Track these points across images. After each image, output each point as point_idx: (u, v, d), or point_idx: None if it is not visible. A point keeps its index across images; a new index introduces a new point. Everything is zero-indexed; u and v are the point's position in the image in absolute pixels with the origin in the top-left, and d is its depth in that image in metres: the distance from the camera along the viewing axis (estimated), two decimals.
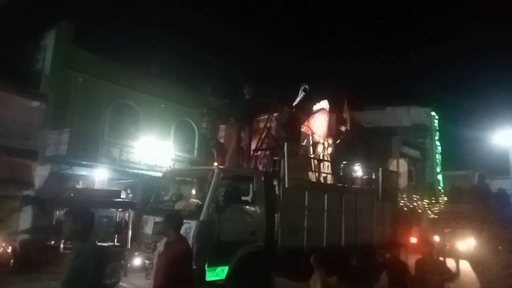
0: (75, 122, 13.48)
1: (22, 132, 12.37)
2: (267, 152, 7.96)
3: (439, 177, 29.03)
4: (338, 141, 10.87)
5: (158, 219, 6.99)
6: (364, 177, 9.95)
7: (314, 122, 10.30)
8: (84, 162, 12.95)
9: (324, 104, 10.48)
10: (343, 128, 10.92)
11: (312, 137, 10.11)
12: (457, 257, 11.38)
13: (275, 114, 8.34)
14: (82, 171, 13.43)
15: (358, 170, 9.85)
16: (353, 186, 9.30)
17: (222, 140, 8.80)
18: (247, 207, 6.98)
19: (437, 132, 31.02)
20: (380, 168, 9.73)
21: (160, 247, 3.98)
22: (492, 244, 6.87)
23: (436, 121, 31.10)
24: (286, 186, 7.35)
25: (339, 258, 8.47)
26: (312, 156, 9.59)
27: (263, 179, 7.35)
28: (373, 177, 9.88)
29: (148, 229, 7.16)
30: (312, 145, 10.05)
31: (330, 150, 10.33)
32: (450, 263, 6.48)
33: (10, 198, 11.55)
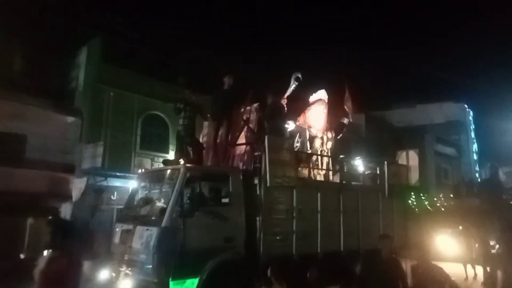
0: (109, 135, 13.94)
1: (59, 147, 13.21)
2: (248, 148, 7.13)
3: (477, 174, 27.31)
4: (340, 135, 9.89)
5: (125, 226, 6.33)
6: (367, 173, 8.91)
7: (311, 115, 9.37)
8: (118, 174, 13.27)
9: (321, 94, 9.54)
10: (345, 121, 9.93)
11: (309, 131, 9.18)
12: (465, 261, 10.14)
13: (255, 105, 7.50)
14: (117, 183, 13.53)
15: (359, 165, 8.83)
16: (353, 182, 8.29)
17: (205, 138, 8.05)
18: (222, 210, 6.16)
19: (473, 128, 29.61)
20: (386, 162, 8.66)
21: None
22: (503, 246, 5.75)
23: (470, 116, 29.72)
24: (268, 185, 6.49)
25: (339, 265, 7.50)
26: (308, 151, 8.70)
27: (241, 177, 6.53)
28: (378, 172, 8.82)
29: (117, 238, 6.49)
30: (309, 140, 9.13)
31: (329, 144, 9.36)
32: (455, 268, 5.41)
33: (50, 211, 11.61)
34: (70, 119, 13.99)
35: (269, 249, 6.42)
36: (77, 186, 12.98)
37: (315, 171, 8.73)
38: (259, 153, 6.68)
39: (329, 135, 9.45)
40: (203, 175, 6.21)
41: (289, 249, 6.75)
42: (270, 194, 6.56)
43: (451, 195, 12.79)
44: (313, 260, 7.04)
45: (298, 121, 9.31)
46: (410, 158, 9.38)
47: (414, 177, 9.30)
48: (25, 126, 12.26)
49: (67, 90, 14.74)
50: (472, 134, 29.83)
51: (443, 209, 12.27)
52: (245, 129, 7.26)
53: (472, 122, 30.14)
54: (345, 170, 8.39)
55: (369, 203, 8.30)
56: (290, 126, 9.07)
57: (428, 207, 11.15)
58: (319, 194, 7.34)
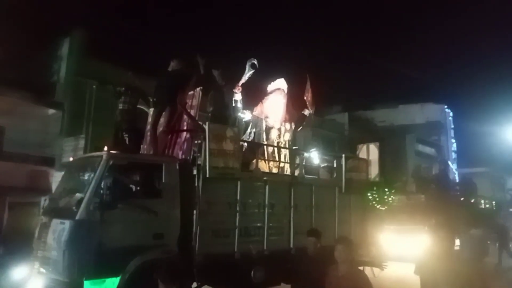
0: (90, 128, 13.68)
1: (39, 140, 13.08)
2: (188, 136, 6.53)
3: (455, 175, 27.67)
4: (301, 127, 9.39)
5: (44, 219, 5.66)
6: (322, 166, 8.43)
7: (269, 105, 8.84)
8: None
9: (280, 83, 9.01)
10: (306, 112, 9.42)
11: (266, 121, 8.65)
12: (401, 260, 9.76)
13: (198, 89, 6.90)
14: None
15: (314, 158, 8.34)
16: (307, 176, 7.79)
17: (149, 126, 7.41)
18: (152, 203, 5.56)
19: (452, 129, 30.37)
20: (343, 155, 8.19)
21: None
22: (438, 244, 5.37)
23: (450, 118, 30.49)
24: (207, 176, 5.92)
25: (288, 264, 6.98)
26: (265, 143, 8.17)
27: (177, 168, 5.93)
28: (335, 165, 8.36)
29: (36, 233, 5.81)
30: (266, 131, 8.60)
31: (287, 136, 8.85)
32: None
33: (29, 206, 11.48)
34: (51, 111, 13.79)
35: (206, 246, 5.85)
36: (58, 179, 12.36)
37: (271, 163, 8.24)
38: (199, 141, 6.11)
39: (287, 126, 8.94)
40: (130, 164, 5.59)
41: (230, 247, 6.20)
42: (209, 186, 5.98)
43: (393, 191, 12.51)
44: (258, 259, 6.50)
45: (255, 111, 8.78)
46: (370, 152, 8.95)
47: (374, 171, 8.86)
48: (3, 119, 11.99)
49: (48, 83, 14.31)
50: (452, 134, 30.51)
51: (394, 205, 11.94)
52: (184, 116, 6.65)
53: (451, 122, 30.85)
54: (297, 162, 7.87)
55: (324, 198, 7.82)
56: (246, 115, 8.54)
57: (379, 204, 10.71)
58: (267, 188, 6.80)
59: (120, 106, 6.76)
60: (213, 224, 6.02)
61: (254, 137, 8.49)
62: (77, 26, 14.70)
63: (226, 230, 6.22)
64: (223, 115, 6.81)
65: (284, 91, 8.99)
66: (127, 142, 6.39)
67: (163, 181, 5.71)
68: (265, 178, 6.87)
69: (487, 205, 15.67)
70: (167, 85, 6.56)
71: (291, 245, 7.05)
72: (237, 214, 6.32)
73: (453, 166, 29.03)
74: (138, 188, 5.75)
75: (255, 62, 8.39)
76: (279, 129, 8.79)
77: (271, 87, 8.96)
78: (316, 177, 8.11)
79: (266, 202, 6.75)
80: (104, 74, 13.67)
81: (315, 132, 20.60)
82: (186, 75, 6.63)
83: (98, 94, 13.99)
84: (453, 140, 30.69)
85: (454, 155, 29.97)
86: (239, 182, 6.38)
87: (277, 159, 8.40)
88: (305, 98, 9.38)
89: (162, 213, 5.59)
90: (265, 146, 8.34)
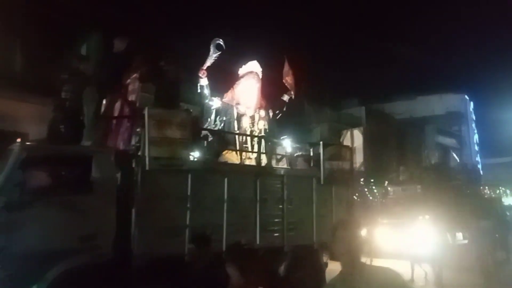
0: None
1: None
2: (129, 124, 5.78)
3: (479, 165, 26.51)
4: (280, 114, 8.54)
5: None
6: (295, 155, 7.56)
7: (240, 90, 8.03)
8: None
9: (252, 66, 8.18)
10: (285, 98, 8.56)
11: (236, 108, 7.85)
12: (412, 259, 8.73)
13: (140, 70, 6.12)
14: None
15: (287, 146, 7.48)
16: (277, 166, 6.96)
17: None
18: (80, 199, 4.84)
19: (473, 119, 29.39)
20: (321, 142, 7.30)
21: None
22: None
23: (471, 107, 29.50)
24: (147, 168, 5.17)
25: (255, 264, 6.17)
26: (236, 131, 7.38)
27: (111, 159, 5.19)
28: (311, 154, 7.48)
29: None
30: (237, 119, 7.80)
31: (262, 124, 8.02)
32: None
33: None
34: None
35: (147, 248, 5.11)
36: None
37: (243, 154, 7.45)
38: (140, 129, 5.37)
39: (262, 113, 8.11)
40: (50, 157, 4.86)
41: (180, 247, 5.42)
42: (150, 180, 5.24)
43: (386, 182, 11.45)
44: (215, 261, 5.71)
45: (225, 97, 8.00)
46: (354, 138, 8.03)
47: (358, 159, 7.94)
48: (26, 125, 10.92)
49: None
50: (473, 125, 29.55)
51: (388, 197, 10.91)
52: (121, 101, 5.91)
53: (472, 113, 29.96)
54: (265, 150, 7.04)
55: (299, 190, 6.96)
56: (214, 103, 7.77)
57: (369, 196, 9.79)
58: (226, 180, 6.00)
59: (63, 95, 6.07)
60: (156, 222, 5.26)
61: (224, 126, 7.72)
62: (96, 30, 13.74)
63: (174, 229, 5.45)
64: (169, 96, 6.01)
65: (257, 75, 8.17)
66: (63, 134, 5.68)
67: (93, 175, 4.97)
68: (223, 169, 6.07)
69: (496, 194, 14.41)
70: (110, 68, 5.83)
71: (258, 244, 6.23)
72: (188, 210, 5.55)
73: (475, 156, 27.87)
74: (63, 183, 5.04)
75: (221, 43, 7.60)
76: (252, 117, 7.97)
77: (242, 70, 8.15)
78: (288, 167, 7.26)
79: (226, 197, 5.95)
80: None
81: (331, 127, 19.84)
82: (129, 55, 5.88)
83: None
84: (475, 130, 29.57)
85: (476, 146, 28.83)
86: (190, 175, 5.60)
87: (250, 149, 7.61)
88: (284, 81, 8.53)
89: (92, 211, 4.86)
90: (236, 136, 7.57)
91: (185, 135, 5.59)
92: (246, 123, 7.81)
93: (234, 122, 7.77)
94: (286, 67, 8.59)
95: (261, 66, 8.37)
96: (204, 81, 7.56)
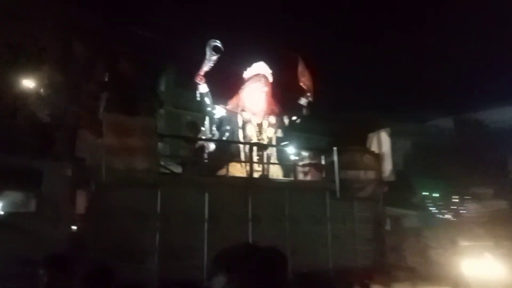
0: None
1: None
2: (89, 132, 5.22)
3: None
4: (298, 119, 7.53)
5: None
6: (301, 164, 6.37)
7: (246, 95, 7.20)
8: None
9: (259, 68, 7.32)
10: (302, 101, 7.52)
11: (241, 115, 7.01)
12: None
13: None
14: None
15: (292, 154, 6.35)
16: (274, 178, 5.88)
17: None
18: (23, 218, 4.31)
19: None
20: (335, 148, 6.06)
21: None
22: None
23: None
24: (104, 181, 4.51)
25: None
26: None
27: (66, 174, 4.62)
28: (323, 162, 6.26)
29: None
30: (242, 127, 6.94)
31: (271, 132, 7.04)
32: None
33: None
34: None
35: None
36: None
37: (247, 165, 6.54)
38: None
39: (272, 119, 7.15)
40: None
41: (147, 273, 4.61)
42: (106, 195, 4.56)
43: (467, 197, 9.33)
44: None
45: (229, 104, 7.21)
46: (382, 142, 6.61)
47: (387, 167, 6.48)
48: None
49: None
50: None
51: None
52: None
53: None
54: (265, 159, 6.02)
55: (306, 206, 5.79)
56: (217, 111, 7.02)
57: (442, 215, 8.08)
58: (206, 195, 5.10)
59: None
60: (115, 244, 4.52)
61: (228, 135, 6.91)
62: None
63: (140, 252, 4.66)
64: (129, 102, 5.37)
65: (265, 77, 7.27)
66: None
67: (42, 190, 4.43)
68: (202, 182, 5.19)
69: None
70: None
71: None
72: (157, 231, 4.74)
73: None
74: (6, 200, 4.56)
75: (218, 44, 6.88)
76: (260, 124, 7.04)
77: (247, 73, 7.32)
78: (291, 178, 6.13)
79: (206, 215, 5.05)
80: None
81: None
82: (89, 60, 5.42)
83: None
84: None
85: None
86: (159, 189, 4.82)
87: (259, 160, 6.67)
88: (300, 83, 7.51)
89: (36, 232, 4.28)
90: (241, 146, 6.70)
91: (152, 144, 4.86)
92: (251, 131, 6.90)
93: (238, 130, 6.91)
94: (301, 67, 7.58)
95: (271, 68, 7.49)
96: (203, 88, 6.87)
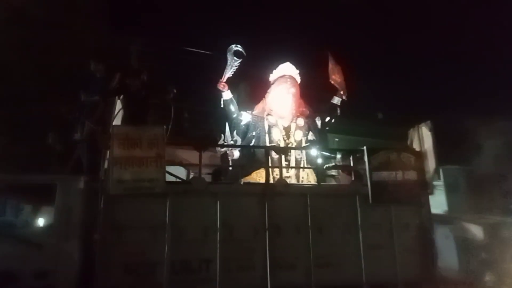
0: None
1: None
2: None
3: None
4: (332, 120, 7.05)
5: None
6: (326, 166, 5.80)
7: (271, 98, 6.91)
8: None
9: (285, 69, 7.00)
10: (335, 100, 7.02)
11: (267, 119, 6.72)
12: None
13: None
14: None
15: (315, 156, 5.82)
16: (294, 183, 5.42)
17: None
18: (37, 232, 4.45)
19: None
20: (365, 147, 5.44)
21: None
22: None
23: None
24: (111, 192, 4.52)
25: None
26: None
27: (78, 187, 4.70)
28: (352, 163, 5.65)
29: None
30: (268, 132, 6.65)
31: (299, 135, 6.64)
32: None
33: None
34: None
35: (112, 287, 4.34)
36: None
37: (276, 171, 6.23)
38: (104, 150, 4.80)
39: (300, 122, 6.74)
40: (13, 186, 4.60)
41: (156, 287, 4.49)
42: (115, 207, 4.55)
43: None
44: None
45: (255, 110, 6.97)
46: (424, 138, 5.80)
47: (430, 165, 5.66)
48: None
49: None
50: None
51: None
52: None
53: None
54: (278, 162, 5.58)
55: (334, 213, 5.25)
56: (244, 117, 6.83)
57: None
58: (218, 204, 4.86)
59: None
60: (124, 257, 4.48)
61: (254, 141, 6.65)
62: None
63: (149, 264, 4.56)
64: (138, 114, 5.32)
65: (292, 78, 6.92)
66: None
67: (56, 204, 4.56)
68: (214, 190, 4.96)
69: None
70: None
71: (268, 286, 4.78)
72: (166, 242, 4.61)
73: None
74: (20, 215, 4.73)
75: (240, 49, 6.72)
76: (288, 127, 6.68)
77: (273, 76, 7.02)
78: (315, 183, 5.62)
79: (218, 225, 4.80)
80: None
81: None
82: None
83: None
84: None
85: None
86: (168, 199, 4.71)
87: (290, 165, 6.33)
88: (331, 81, 7.03)
89: (50, 246, 4.39)
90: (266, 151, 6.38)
91: (160, 153, 4.77)
92: (277, 135, 6.56)
93: (265, 136, 6.62)
94: (331, 64, 7.09)
95: (300, 67, 7.11)
96: (227, 95, 6.72)
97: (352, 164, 5.59)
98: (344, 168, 5.89)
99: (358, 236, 5.22)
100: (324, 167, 6.08)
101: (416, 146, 5.91)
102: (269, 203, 5.01)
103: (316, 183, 5.72)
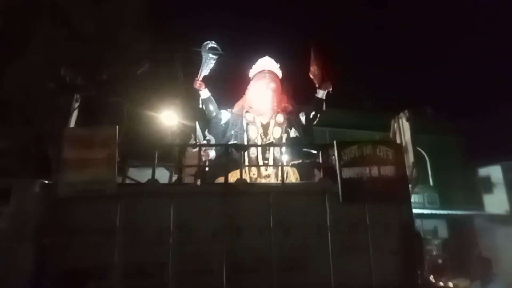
0: None
1: None
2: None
3: None
4: (318, 115, 6.68)
5: None
6: (293, 163, 5.42)
7: (251, 95, 6.66)
8: None
9: (263, 63, 6.73)
10: (320, 94, 6.62)
11: (244, 116, 6.49)
12: None
13: None
14: None
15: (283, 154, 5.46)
16: (259, 182, 5.11)
17: None
18: None
19: None
20: (335, 141, 5.03)
21: None
22: None
23: None
24: (59, 195, 4.48)
25: None
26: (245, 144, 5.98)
27: (35, 190, 4.70)
28: (320, 158, 5.25)
29: None
30: (246, 129, 6.41)
31: (278, 132, 6.33)
32: None
33: None
34: None
35: None
36: None
37: (253, 170, 6.01)
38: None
39: (279, 118, 6.43)
40: None
41: None
42: (64, 210, 4.49)
43: None
44: None
45: (234, 108, 6.76)
46: (404, 129, 5.28)
47: (410, 160, 5.13)
48: None
49: None
50: None
51: None
52: None
53: None
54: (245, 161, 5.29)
55: (300, 213, 4.89)
56: (223, 116, 6.65)
57: None
58: (172, 206, 4.68)
59: None
60: (75, 261, 4.41)
61: (232, 140, 6.43)
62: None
63: (101, 268, 4.46)
64: (92, 113, 5.24)
65: (272, 73, 6.65)
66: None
67: (10, 208, 4.57)
68: (168, 191, 4.79)
69: None
70: None
71: None
72: (118, 245, 4.49)
73: None
74: None
75: (215, 45, 6.53)
76: (266, 125, 6.40)
77: (252, 71, 6.77)
78: (279, 182, 5.27)
79: (172, 227, 4.62)
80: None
81: None
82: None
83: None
84: None
85: None
86: (119, 201, 4.60)
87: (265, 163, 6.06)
88: (309, 74, 6.67)
89: (1, 249, 4.41)
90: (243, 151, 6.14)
91: (110, 154, 4.67)
92: (254, 133, 6.29)
93: (243, 134, 6.37)
94: (313, 55, 6.71)
95: (280, 61, 6.81)
96: (204, 93, 6.56)
97: (321, 160, 5.20)
98: (313, 165, 5.50)
99: (327, 237, 4.83)
100: (290, 164, 5.72)
101: (398, 138, 5.42)
102: (229, 204, 4.76)
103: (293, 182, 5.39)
